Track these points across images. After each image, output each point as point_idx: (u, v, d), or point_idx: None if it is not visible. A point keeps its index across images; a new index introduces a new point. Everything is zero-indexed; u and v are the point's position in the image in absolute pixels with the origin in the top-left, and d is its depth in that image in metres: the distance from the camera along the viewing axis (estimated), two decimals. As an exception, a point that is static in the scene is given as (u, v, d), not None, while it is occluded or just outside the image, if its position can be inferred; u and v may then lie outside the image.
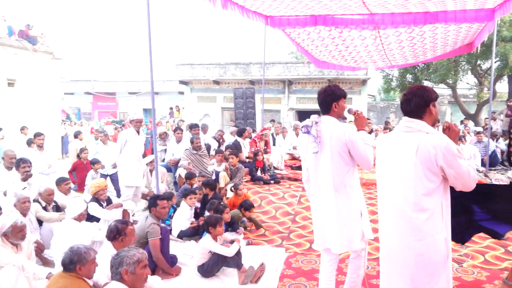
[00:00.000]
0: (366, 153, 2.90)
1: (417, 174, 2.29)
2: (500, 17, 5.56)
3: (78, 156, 8.13)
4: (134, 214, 6.48)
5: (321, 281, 3.13)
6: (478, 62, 15.00)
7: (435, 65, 14.56)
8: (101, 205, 5.18)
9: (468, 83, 18.10)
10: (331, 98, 3.02)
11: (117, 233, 3.56)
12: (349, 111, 3.20)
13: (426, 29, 6.42)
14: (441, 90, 22.21)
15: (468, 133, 11.83)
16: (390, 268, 2.49)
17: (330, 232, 2.98)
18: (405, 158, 2.34)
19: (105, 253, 3.52)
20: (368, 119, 2.93)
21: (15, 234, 3.60)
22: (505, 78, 15.62)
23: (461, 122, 13.93)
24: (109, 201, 5.33)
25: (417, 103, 2.39)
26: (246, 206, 5.62)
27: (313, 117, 3.04)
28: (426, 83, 16.60)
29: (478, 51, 8.05)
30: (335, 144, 2.90)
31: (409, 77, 16.33)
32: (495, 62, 12.92)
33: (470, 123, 15.61)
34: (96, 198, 5.18)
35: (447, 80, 15.55)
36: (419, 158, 2.28)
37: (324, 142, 2.93)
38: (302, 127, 3.03)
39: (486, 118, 13.51)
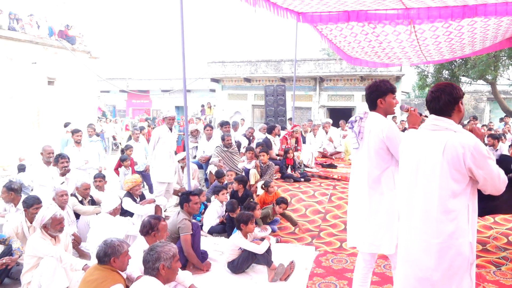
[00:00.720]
0: None
1: (443, 175, 2.18)
2: (545, 9, 5.26)
3: (122, 152, 8.34)
4: (166, 209, 6.61)
5: (355, 280, 3.08)
6: (520, 56, 14.30)
7: (474, 61, 13.97)
8: (134, 200, 5.32)
9: (509, 79, 17.27)
10: (375, 95, 3.00)
11: (150, 228, 3.64)
12: (401, 107, 3.10)
13: (465, 24, 6.17)
14: (480, 86, 21.38)
15: (509, 131, 11.31)
16: (408, 270, 2.36)
17: (360, 229, 2.97)
18: (431, 157, 2.23)
19: (138, 247, 3.61)
20: (421, 115, 2.83)
21: (54, 226, 3.75)
22: (550, 73, 14.86)
23: (501, 119, 13.35)
24: (142, 197, 5.46)
25: (446, 100, 2.28)
26: (277, 201, 5.60)
27: (360, 112, 3.06)
28: (463, 80, 16.01)
29: (521, 45, 7.67)
30: (373, 141, 2.88)
31: (445, 73, 15.77)
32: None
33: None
34: (130, 194, 5.32)
35: (486, 76, 14.90)
36: (446, 157, 2.17)
37: (364, 138, 2.93)
38: (348, 122, 3.10)
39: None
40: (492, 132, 9.83)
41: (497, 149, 7.88)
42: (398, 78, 17.98)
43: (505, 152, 7.77)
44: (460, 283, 2.19)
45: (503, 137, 8.61)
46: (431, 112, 2.37)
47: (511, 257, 4.31)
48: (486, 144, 8.19)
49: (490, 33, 6.72)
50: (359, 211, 2.98)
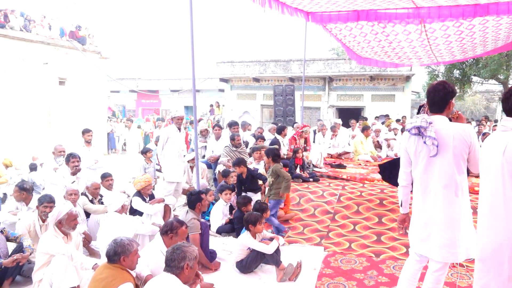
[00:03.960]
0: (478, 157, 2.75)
1: (504, 176, 2.24)
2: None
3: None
4: (175, 209, 6.65)
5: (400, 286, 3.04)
6: (533, 56, 14.11)
7: (485, 60, 13.83)
8: (144, 199, 5.35)
9: (521, 79, 17.07)
10: (450, 96, 2.81)
11: (170, 229, 3.66)
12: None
13: (476, 23, 6.10)
14: (492, 86, 21.13)
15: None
16: (485, 269, 2.39)
17: (436, 242, 2.80)
18: (495, 159, 2.30)
19: (155, 246, 3.63)
20: (467, 119, 2.95)
21: (69, 222, 3.81)
22: None
23: None
24: (151, 196, 5.50)
25: None
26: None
27: (424, 116, 2.81)
28: (475, 79, 15.84)
29: (533, 45, 7.55)
30: (459, 146, 2.71)
31: (456, 72, 15.64)
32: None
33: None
34: (139, 193, 5.35)
35: (498, 76, 14.74)
36: (506, 158, 2.24)
37: (444, 144, 2.72)
38: (412, 128, 2.80)
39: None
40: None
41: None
42: (408, 78, 17.85)
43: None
44: None
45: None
46: (506, 114, 2.41)
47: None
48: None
49: (502, 33, 6.63)
50: (439, 221, 2.78)
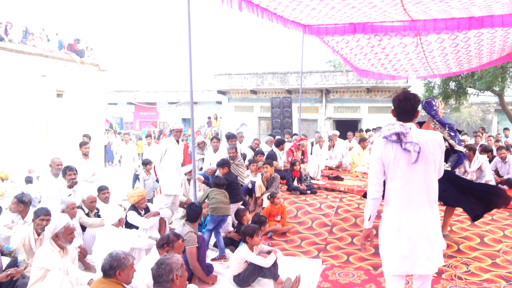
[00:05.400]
0: None
1: None
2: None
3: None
4: (171, 222, 6.60)
5: None
6: (528, 68, 14.23)
7: (481, 72, 13.91)
8: (139, 213, 5.31)
9: (516, 90, 17.20)
10: (418, 104, 2.81)
11: (166, 243, 3.63)
12: None
13: (471, 36, 6.16)
14: (487, 97, 21.26)
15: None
16: None
17: (423, 253, 2.68)
18: None
19: (152, 260, 3.59)
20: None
21: (66, 235, 3.77)
22: (558, 85, 14.72)
23: (504, 129, 13.42)
24: (147, 210, 5.45)
25: None
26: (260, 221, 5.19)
27: (399, 124, 2.72)
28: (470, 91, 15.93)
29: (528, 57, 7.63)
30: (435, 153, 2.70)
31: (452, 84, 15.72)
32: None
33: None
34: (134, 207, 5.31)
35: (494, 88, 14.83)
36: None
37: (423, 151, 2.65)
38: (391, 134, 2.68)
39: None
40: (501, 144, 9.73)
41: (506, 161, 7.80)
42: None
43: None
44: None
45: (511, 149, 8.52)
46: None
47: (523, 272, 4.22)
48: (494, 157, 8.12)
49: (497, 46, 6.70)
50: (419, 233, 2.68)
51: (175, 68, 70.50)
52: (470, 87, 15.36)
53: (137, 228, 5.29)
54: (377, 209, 2.84)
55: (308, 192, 7.40)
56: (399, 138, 2.66)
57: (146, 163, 7.74)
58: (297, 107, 11.04)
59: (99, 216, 5.53)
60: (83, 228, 5.41)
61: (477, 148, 9.13)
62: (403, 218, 2.71)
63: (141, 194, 5.34)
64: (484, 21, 5.44)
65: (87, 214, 5.49)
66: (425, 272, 2.72)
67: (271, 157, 8.25)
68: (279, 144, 8.83)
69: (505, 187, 7.33)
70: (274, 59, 67.04)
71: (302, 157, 8.95)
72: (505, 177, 7.69)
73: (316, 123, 19.94)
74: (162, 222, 5.57)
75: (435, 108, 4.81)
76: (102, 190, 6.12)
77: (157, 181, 7.76)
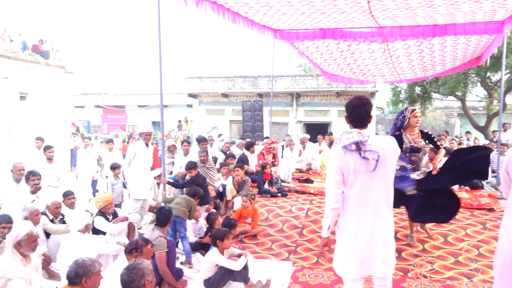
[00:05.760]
0: None
1: None
2: (510, 29, 5.52)
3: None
4: (140, 227, 6.48)
5: None
6: (488, 74, 14.89)
7: (444, 78, 14.47)
8: (107, 218, 5.18)
9: (477, 95, 17.96)
10: (371, 109, 2.79)
11: (134, 248, 3.55)
12: None
13: (435, 42, 6.40)
14: (450, 102, 22.09)
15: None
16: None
17: (379, 256, 2.73)
18: None
19: (120, 266, 3.50)
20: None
21: (29, 243, 3.63)
22: (515, 90, 15.49)
23: (466, 133, 14.00)
24: (115, 215, 5.33)
25: None
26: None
27: (356, 131, 2.70)
28: (435, 96, 16.51)
29: (488, 64, 8.00)
30: (392, 158, 2.72)
31: (417, 89, 16.25)
32: (505, 74, 12.80)
33: (480, 136, 15.49)
34: (102, 212, 5.18)
35: (456, 93, 15.43)
36: None
37: (381, 157, 2.66)
38: (350, 144, 2.64)
39: (494, 131, 13.38)
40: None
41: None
42: (372, 94, 18.42)
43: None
44: None
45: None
46: None
47: (483, 269, 4.40)
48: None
49: (459, 52, 6.98)
50: (377, 238, 2.72)
51: (145, 70, 69.50)
52: (434, 92, 15.93)
53: (104, 234, 5.16)
54: (336, 218, 2.82)
55: (279, 194, 7.44)
56: (358, 146, 2.65)
57: (114, 167, 7.57)
58: (268, 111, 11.10)
59: (64, 222, 5.35)
60: (47, 235, 5.22)
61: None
62: (361, 225, 2.73)
63: (107, 199, 5.21)
64: (448, 29, 5.66)
65: (52, 221, 5.30)
66: (381, 275, 2.79)
67: (243, 160, 8.26)
68: (249, 146, 8.84)
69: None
70: (245, 62, 67.26)
71: (273, 160, 8.99)
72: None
73: (287, 126, 20.11)
74: (130, 227, 5.46)
75: (402, 116, 4.90)
76: (67, 195, 5.93)
77: (125, 185, 7.62)
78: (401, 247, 5.02)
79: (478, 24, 5.52)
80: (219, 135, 13.40)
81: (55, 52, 16.09)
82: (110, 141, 11.12)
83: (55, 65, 15.83)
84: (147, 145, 6.44)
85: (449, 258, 4.74)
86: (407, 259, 4.70)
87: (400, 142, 4.72)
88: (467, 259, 4.71)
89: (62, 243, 4.48)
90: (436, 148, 5.12)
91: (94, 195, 8.95)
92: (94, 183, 9.69)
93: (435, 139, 5.11)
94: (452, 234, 5.45)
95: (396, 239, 5.25)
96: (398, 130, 4.92)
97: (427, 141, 4.98)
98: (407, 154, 4.78)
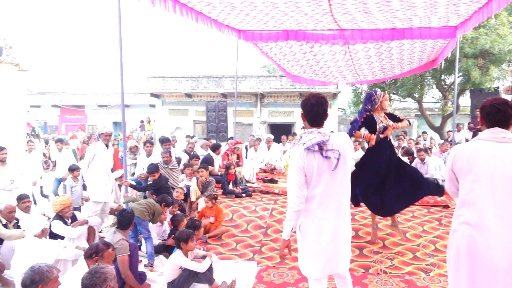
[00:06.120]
0: None
1: None
2: (462, 34, 5.80)
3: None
4: (101, 230, 6.29)
5: None
6: (443, 77, 15.59)
7: (402, 80, 15.03)
8: (65, 222, 4.99)
9: (433, 97, 18.77)
10: (327, 107, 2.78)
11: (94, 252, 3.44)
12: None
13: (394, 45, 6.62)
14: (408, 103, 22.96)
15: (434, 145, 12.22)
16: (490, 276, 2.37)
17: (342, 254, 2.81)
18: (509, 169, 2.34)
19: (79, 272, 3.38)
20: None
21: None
22: (468, 92, 16.31)
23: (423, 133, 14.61)
24: (74, 218, 5.14)
25: (511, 114, 2.45)
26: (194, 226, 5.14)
27: (317, 131, 2.71)
28: (394, 97, 17.10)
29: (442, 67, 8.37)
30: (350, 155, 2.76)
31: (378, 90, 16.79)
32: (458, 77, 13.47)
33: (436, 136, 16.20)
34: (59, 216, 4.98)
35: (414, 94, 16.07)
36: None
37: (342, 156, 2.69)
38: (313, 145, 2.63)
39: (449, 131, 14.04)
40: (420, 146, 10.54)
41: (424, 162, 8.43)
42: (335, 95, 18.82)
43: (432, 165, 8.32)
44: None
45: (429, 151, 9.25)
46: (493, 125, 2.47)
47: (439, 263, 4.59)
48: (415, 158, 8.75)
49: (416, 55, 7.25)
50: (340, 236, 2.78)
51: (106, 69, 67.53)
52: (393, 93, 16.50)
53: (62, 238, 4.97)
54: (298, 220, 2.79)
55: (244, 195, 7.45)
56: (320, 146, 2.66)
57: (73, 169, 7.30)
58: (232, 111, 11.07)
59: (19, 227, 5.10)
60: (0, 240, 4.96)
61: (400, 150, 9.80)
62: (324, 224, 2.74)
63: (64, 202, 5.01)
64: (405, 33, 5.89)
65: (5, 226, 5.03)
66: (345, 271, 2.89)
67: (208, 161, 8.20)
68: (216, 148, 8.80)
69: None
70: (209, 62, 66.86)
71: (238, 160, 8.99)
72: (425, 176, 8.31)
73: (251, 127, 20.17)
74: (91, 231, 5.28)
75: (373, 99, 5.09)
76: (22, 199, 5.65)
77: (85, 188, 7.37)
78: (362, 245, 5.16)
79: (433, 29, 5.78)
80: (192, 137, 13.29)
81: (8, 49, 15.32)
82: (59, 140, 10.68)
83: (8, 62, 15.07)
84: (107, 146, 6.26)
85: (408, 254, 4.92)
86: (368, 256, 4.84)
87: (373, 122, 4.96)
88: (424, 254, 4.90)
89: (17, 249, 4.27)
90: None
91: (35, 203, 8.53)
92: (41, 189, 9.32)
93: (399, 117, 5.35)
94: (411, 231, 5.65)
95: (358, 236, 5.42)
96: (368, 111, 5.06)
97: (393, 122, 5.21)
98: (380, 134, 4.99)
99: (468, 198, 2.46)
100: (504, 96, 11.82)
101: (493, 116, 2.46)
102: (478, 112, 2.52)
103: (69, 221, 5.04)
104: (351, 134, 4.95)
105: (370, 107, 5.08)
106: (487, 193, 2.38)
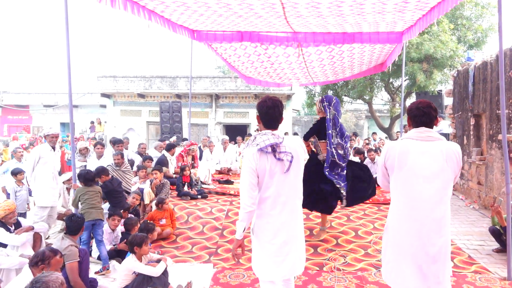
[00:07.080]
0: None
1: (445, 180, 2.58)
2: (408, 40, 6.10)
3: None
4: (48, 236, 6.00)
5: None
6: (391, 80, 16.31)
7: (353, 82, 15.57)
8: (8, 229, 4.70)
9: (382, 99, 19.58)
10: (283, 110, 2.85)
11: (40, 260, 3.22)
12: None
13: (345, 49, 6.84)
14: (359, 105, 23.80)
15: (383, 145, 12.76)
16: (413, 263, 2.63)
17: (298, 255, 2.83)
18: (436, 165, 2.57)
19: (23, 281, 3.18)
20: None
21: None
22: (413, 95, 17.13)
23: (373, 134, 15.24)
24: (18, 225, 4.85)
25: (434, 115, 2.67)
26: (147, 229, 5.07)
27: (271, 133, 2.73)
28: (345, 99, 17.66)
29: (390, 70, 8.75)
30: (302, 157, 2.82)
31: (330, 92, 17.26)
32: (405, 80, 14.14)
33: (385, 136, 16.90)
34: (2, 222, 4.68)
35: (364, 96, 16.68)
36: (449, 164, 2.57)
37: (295, 158, 2.72)
38: (266, 146, 2.65)
39: (397, 132, 14.70)
40: (370, 146, 10.96)
41: (374, 162, 8.77)
42: (289, 97, 19.12)
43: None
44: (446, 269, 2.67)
45: (378, 151, 9.63)
46: (419, 125, 2.67)
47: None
48: (365, 158, 9.08)
49: (365, 58, 7.53)
50: (295, 238, 2.80)
51: (52, 68, 64.40)
52: (345, 95, 17.05)
53: (5, 246, 4.67)
54: (250, 220, 2.79)
55: (199, 197, 7.39)
56: (273, 148, 2.68)
57: (16, 173, 6.89)
58: (187, 112, 10.95)
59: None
60: None
61: (351, 151, 10.13)
62: (278, 225, 2.74)
63: (8, 208, 4.71)
64: (355, 37, 6.10)
65: None
66: (300, 272, 2.93)
67: (162, 162, 8.05)
68: (170, 148, 8.66)
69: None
70: (163, 62, 65.62)
71: (193, 162, 8.90)
72: (374, 176, 8.65)
73: (206, 128, 20.03)
74: (37, 238, 5.01)
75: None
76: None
77: (30, 192, 7.00)
78: (316, 243, 5.27)
79: (381, 34, 6.04)
80: (124, 138, 12.95)
81: None
82: None
83: None
84: (53, 148, 5.98)
85: (360, 250, 5.09)
86: (322, 254, 4.95)
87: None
88: (375, 250, 5.09)
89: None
90: None
91: None
92: None
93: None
94: (362, 228, 5.86)
95: (312, 235, 5.53)
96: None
97: None
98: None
99: (401, 193, 2.69)
100: (446, 98, 12.55)
101: (419, 118, 2.68)
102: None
103: (12, 228, 4.76)
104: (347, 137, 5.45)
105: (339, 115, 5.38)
106: (418, 188, 2.61)
